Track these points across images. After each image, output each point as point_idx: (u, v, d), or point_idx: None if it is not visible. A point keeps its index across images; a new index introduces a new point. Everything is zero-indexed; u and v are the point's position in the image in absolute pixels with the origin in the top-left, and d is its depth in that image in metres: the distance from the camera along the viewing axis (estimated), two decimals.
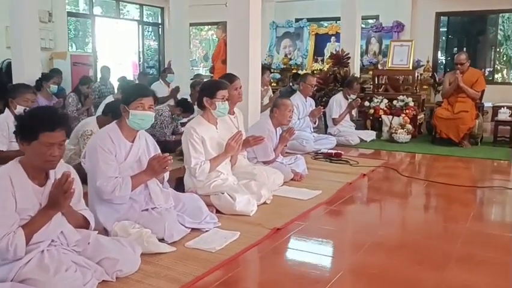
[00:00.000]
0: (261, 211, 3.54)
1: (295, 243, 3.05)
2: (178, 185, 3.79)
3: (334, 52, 8.38)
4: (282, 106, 4.65)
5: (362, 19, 11.45)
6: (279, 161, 4.76)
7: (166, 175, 3.17)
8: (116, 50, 13.62)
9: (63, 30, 11.05)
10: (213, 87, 3.63)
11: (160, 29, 13.99)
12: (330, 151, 5.93)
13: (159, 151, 3.18)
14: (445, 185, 4.52)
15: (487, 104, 8.35)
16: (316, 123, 6.47)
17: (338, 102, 6.94)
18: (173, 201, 3.12)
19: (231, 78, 4.19)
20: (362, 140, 7.00)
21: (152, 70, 13.96)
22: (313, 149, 6.06)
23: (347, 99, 7.01)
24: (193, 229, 3.06)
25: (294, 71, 11.28)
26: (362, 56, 10.97)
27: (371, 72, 9.07)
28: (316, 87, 7.76)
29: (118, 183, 2.84)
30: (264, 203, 3.73)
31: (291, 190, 4.18)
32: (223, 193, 3.47)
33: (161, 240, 2.83)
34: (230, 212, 3.42)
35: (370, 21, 11.62)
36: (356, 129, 7.32)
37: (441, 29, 11.53)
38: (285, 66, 11.69)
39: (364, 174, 4.88)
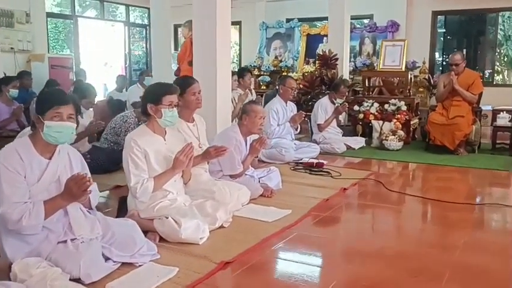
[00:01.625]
0: (214, 238, 3.01)
1: (244, 283, 2.52)
2: (122, 205, 3.27)
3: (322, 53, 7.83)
4: (251, 112, 4.12)
5: (356, 19, 11.03)
6: (249, 174, 4.24)
7: (94, 199, 2.65)
8: (102, 53, 13.14)
9: (42, 32, 10.55)
10: (158, 92, 3.11)
11: (147, 30, 13.48)
12: (311, 160, 5.40)
13: (87, 169, 2.66)
14: (435, 201, 3.98)
15: (487, 108, 7.80)
16: (298, 129, 5.94)
17: (324, 107, 6.42)
18: (102, 229, 2.60)
19: (188, 81, 3.68)
20: (350, 148, 6.48)
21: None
22: (293, 158, 5.54)
23: (334, 103, 6.48)
24: (124, 263, 2.54)
25: (284, 73, 10.80)
26: (355, 57, 10.52)
27: None
28: (302, 91, 7.26)
29: (27, 210, 2.32)
30: (221, 226, 3.20)
31: (256, 209, 3.65)
32: (167, 217, 2.94)
33: (78, 280, 2.31)
34: (175, 240, 2.90)
35: (365, 21, 11.10)
36: (344, 135, 6.80)
37: (439, 30, 11.02)
38: (275, 69, 11.20)
39: (345, 189, 4.35)
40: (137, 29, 13.78)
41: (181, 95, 3.61)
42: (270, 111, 5.65)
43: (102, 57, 13.18)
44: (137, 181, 2.98)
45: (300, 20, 11.41)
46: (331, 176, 4.85)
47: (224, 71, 4.56)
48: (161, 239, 2.94)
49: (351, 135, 7.00)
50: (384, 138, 6.50)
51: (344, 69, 7.63)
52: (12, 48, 9.81)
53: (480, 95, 6.43)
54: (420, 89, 9.00)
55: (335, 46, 7.61)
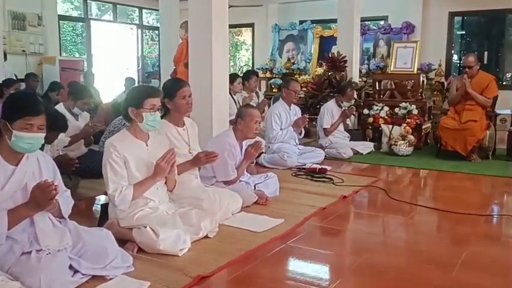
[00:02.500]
0: (196, 249, 2.85)
1: None
2: (104, 213, 3.13)
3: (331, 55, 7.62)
4: (247, 117, 3.95)
5: (370, 20, 10.79)
6: (244, 181, 4.07)
7: (66, 207, 2.51)
8: (115, 55, 13.13)
9: (54, 34, 10.57)
10: (139, 95, 2.96)
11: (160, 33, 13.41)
12: (314, 166, 5.20)
13: (58, 176, 2.53)
14: (440, 212, 3.75)
15: (505, 112, 7.46)
16: (302, 134, 5.74)
17: (330, 111, 6.21)
18: (73, 239, 2.45)
19: (177, 84, 3.53)
20: (357, 153, 6.25)
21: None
22: (296, 164, 5.35)
23: (340, 107, 6.26)
24: (94, 276, 2.40)
25: (297, 76, 10.60)
26: (369, 59, 10.28)
27: None
28: (309, 94, 7.07)
29: None
30: (206, 236, 3.03)
31: (247, 218, 3.48)
32: (146, 227, 2.79)
33: None
34: (153, 251, 2.74)
35: (380, 22, 10.83)
36: (353, 140, 6.57)
37: (458, 32, 10.69)
38: (287, 71, 10.98)
39: (345, 196, 4.14)
40: (153, 31, 13.74)
41: (171, 99, 3.48)
42: (272, 115, 5.48)
43: (116, 61, 13.16)
44: (115, 188, 2.84)
45: (313, 21, 11.20)
46: (333, 183, 4.65)
47: (220, 74, 4.41)
48: (140, 250, 2.79)
49: (361, 140, 6.77)
50: (393, 143, 6.26)
51: (354, 72, 7.40)
52: (24, 50, 9.86)
53: (495, 98, 6.14)
54: (435, 93, 8.71)
55: (344, 48, 7.38)
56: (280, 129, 5.51)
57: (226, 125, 4.48)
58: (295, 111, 5.71)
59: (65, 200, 2.52)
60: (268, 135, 5.54)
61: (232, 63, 15.65)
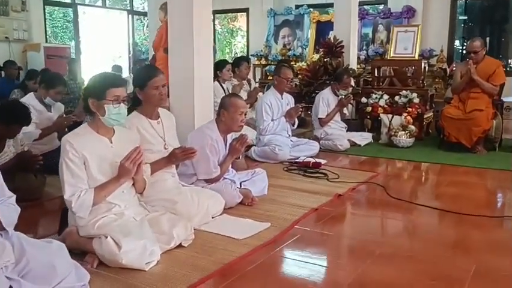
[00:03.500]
0: (167, 262, 2.47)
1: None
2: (65, 218, 2.75)
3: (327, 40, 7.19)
4: (230, 107, 3.56)
5: (369, 4, 10.34)
6: (229, 178, 3.69)
7: (7, 217, 2.13)
8: (105, 43, 12.69)
9: (39, 20, 10.11)
10: (100, 85, 2.57)
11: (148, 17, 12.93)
12: (308, 159, 4.82)
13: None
14: (444, 212, 3.38)
15: (510, 100, 7.06)
16: (295, 125, 5.35)
17: (325, 100, 5.80)
18: (16, 255, 2.08)
19: (149, 73, 3.12)
20: (355, 144, 5.88)
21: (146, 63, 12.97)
22: (288, 157, 4.97)
23: (337, 95, 5.86)
24: None
25: (293, 63, 10.18)
26: (368, 45, 9.86)
27: None
28: (304, 81, 6.66)
29: None
30: (180, 245, 2.66)
31: (228, 222, 3.11)
32: (107, 237, 2.41)
33: None
34: (116, 265, 2.37)
35: (380, 6, 10.37)
36: (350, 130, 6.18)
37: (460, 17, 10.25)
38: (283, 58, 10.55)
39: (339, 195, 3.77)
40: (146, 17, 13.25)
41: (142, 89, 3.10)
42: (263, 105, 5.09)
43: (107, 48, 12.73)
44: (72, 192, 2.46)
45: (309, 6, 10.74)
46: (327, 179, 4.27)
47: (203, 60, 4.00)
48: (102, 264, 2.42)
49: (359, 131, 6.39)
50: (393, 133, 5.88)
51: (351, 58, 6.98)
52: (7, 37, 9.41)
53: (502, 85, 5.74)
54: (437, 80, 8.31)
55: (341, 33, 6.95)
56: (272, 120, 5.12)
57: (210, 116, 4.09)
58: (288, 101, 5.31)
59: (7, 208, 2.14)
60: (259, 126, 5.15)
61: (227, 50, 15.23)
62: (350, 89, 6.31)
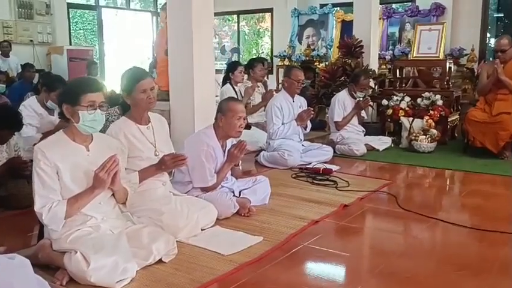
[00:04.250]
0: (142, 280, 2.30)
1: None
2: (42, 231, 2.61)
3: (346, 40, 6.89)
4: (228, 112, 3.36)
5: (396, 3, 9.98)
6: (227, 187, 3.50)
7: None
8: (132, 45, 12.72)
9: (63, 23, 10.21)
10: (75, 90, 2.42)
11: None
12: (319, 166, 4.58)
13: None
14: (456, 227, 3.08)
15: None
16: (308, 128, 5.11)
17: (341, 102, 5.53)
18: None
19: (136, 76, 2.97)
20: (373, 149, 5.59)
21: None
22: (298, 163, 4.74)
23: (354, 97, 5.58)
24: None
25: (316, 64, 9.93)
26: (394, 45, 9.51)
27: None
28: (321, 83, 6.41)
29: None
30: (160, 260, 2.48)
31: (218, 235, 2.91)
32: (76, 252, 2.26)
33: None
34: (85, 283, 2.21)
35: (407, 4, 9.98)
36: (370, 134, 5.89)
37: (495, 14, 9.76)
38: (306, 58, 10.31)
39: (345, 205, 3.52)
40: None
41: (129, 93, 2.96)
42: (272, 108, 4.87)
43: (134, 50, 12.75)
44: (43, 204, 2.32)
45: (334, 5, 10.45)
46: (336, 187, 4.02)
47: (204, 62, 3.83)
48: (72, 280, 2.26)
49: (380, 134, 6.09)
50: (413, 138, 5.56)
51: (371, 59, 6.67)
52: (31, 40, 9.55)
53: None
54: (467, 81, 7.91)
55: (361, 32, 6.65)
56: (282, 123, 4.89)
57: (211, 120, 3.90)
58: (300, 103, 5.07)
59: None
60: (268, 130, 4.94)
61: (255, 51, 15.05)
62: (370, 91, 6.04)
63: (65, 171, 2.36)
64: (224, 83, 5.89)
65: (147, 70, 8.72)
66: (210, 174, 3.32)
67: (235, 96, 5.75)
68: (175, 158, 2.96)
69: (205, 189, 3.35)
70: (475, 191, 4.01)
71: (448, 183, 4.54)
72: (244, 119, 3.43)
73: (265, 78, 6.76)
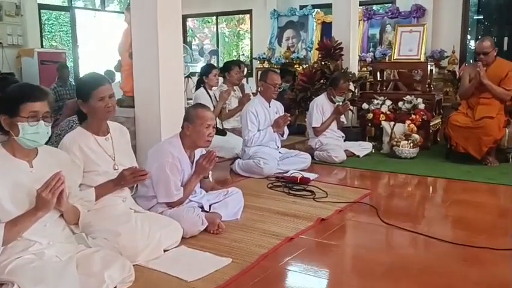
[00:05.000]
0: None
1: None
2: None
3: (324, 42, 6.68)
4: (196, 119, 3.11)
5: (376, 4, 9.83)
6: (195, 201, 3.24)
7: None
8: (105, 47, 12.35)
9: (34, 25, 9.82)
10: (13, 99, 2.14)
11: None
12: (296, 174, 4.36)
13: None
14: (439, 242, 2.88)
15: None
16: (285, 135, 4.87)
17: (320, 107, 5.31)
18: None
19: (92, 82, 2.70)
20: (353, 155, 5.38)
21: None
22: (275, 171, 4.50)
23: (333, 102, 5.37)
24: None
25: (296, 66, 9.72)
26: (375, 47, 9.37)
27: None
28: (299, 87, 6.19)
29: None
30: None
31: (184, 256, 2.65)
32: (14, 284, 1.98)
33: None
34: None
35: (388, 5, 9.84)
36: (349, 140, 5.68)
37: (475, 16, 9.68)
38: (286, 61, 10.10)
39: (322, 219, 3.29)
40: None
41: (85, 101, 2.69)
42: (248, 114, 4.63)
43: (110, 53, 12.38)
44: None
45: (314, 6, 10.26)
46: (313, 198, 3.79)
47: (171, 67, 3.56)
48: None
49: (361, 140, 5.89)
50: (395, 143, 5.36)
51: (351, 61, 6.47)
52: (0, 42, 9.14)
53: None
54: (448, 83, 7.77)
55: (341, 34, 6.44)
56: (258, 130, 4.66)
57: (179, 128, 3.65)
58: (276, 109, 4.84)
59: None
60: (244, 137, 4.70)
61: (235, 53, 14.82)
62: (350, 95, 5.85)
63: (3, 191, 2.08)
64: (198, 87, 5.64)
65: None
66: (175, 188, 3.06)
67: (210, 101, 5.51)
68: (136, 173, 2.70)
69: (170, 205, 3.09)
70: (459, 201, 3.82)
71: (430, 192, 4.35)
72: (213, 128, 3.18)
73: (243, 81, 6.51)
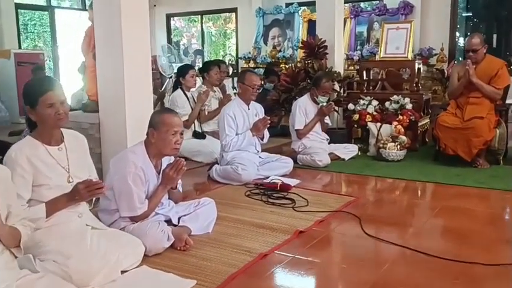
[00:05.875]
0: None
1: None
2: None
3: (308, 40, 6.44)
4: (161, 125, 2.85)
5: (363, 1, 9.62)
6: (162, 213, 2.98)
7: None
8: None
9: (10, 25, 9.51)
10: None
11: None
12: (278, 179, 4.11)
13: None
14: (427, 257, 2.64)
15: None
16: (265, 138, 4.62)
17: (303, 108, 5.06)
18: None
19: (40, 88, 2.42)
20: (338, 158, 5.15)
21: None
22: (254, 177, 4.26)
23: (316, 102, 5.13)
24: None
25: (282, 65, 9.48)
26: (362, 45, 9.16)
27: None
28: (282, 87, 5.95)
29: None
30: None
31: (143, 279, 2.40)
32: None
33: None
34: None
35: (375, 2, 9.62)
36: (335, 142, 5.44)
37: (464, 14, 9.49)
38: (272, 60, 9.87)
39: (300, 232, 3.04)
40: None
41: (33, 107, 2.42)
42: (225, 117, 4.37)
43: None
44: None
45: (300, 4, 10.02)
46: (293, 207, 3.54)
47: (138, 69, 3.30)
48: None
49: (346, 142, 5.65)
50: (381, 145, 5.13)
51: (336, 60, 6.23)
52: None
53: (506, 89, 4.98)
54: (437, 82, 7.56)
55: (325, 31, 6.20)
56: (236, 134, 4.40)
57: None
58: (256, 111, 4.58)
59: None
60: (221, 142, 4.44)
61: (222, 53, 14.56)
62: (335, 95, 5.61)
63: None
64: (175, 88, 5.37)
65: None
66: (139, 200, 2.80)
67: (188, 103, 5.26)
68: (91, 186, 2.43)
69: (134, 219, 2.83)
70: (448, 208, 3.59)
71: (418, 198, 4.10)
72: (181, 134, 2.92)
73: (224, 82, 6.26)
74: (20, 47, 9.75)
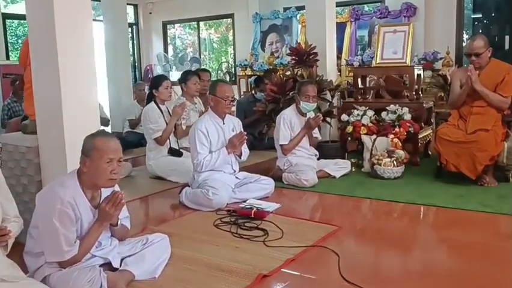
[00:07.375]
0: None
1: None
2: None
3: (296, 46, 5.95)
4: (94, 152, 2.38)
5: (364, 3, 9.14)
6: (100, 256, 2.51)
7: None
8: None
9: None
10: None
11: (134, 29, 11.96)
12: (255, 204, 3.63)
13: None
14: None
15: None
16: (243, 157, 4.13)
17: (287, 121, 4.58)
18: None
19: None
20: (329, 176, 4.65)
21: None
22: (227, 202, 3.78)
23: (303, 114, 4.64)
24: None
25: (280, 72, 8.99)
26: (363, 50, 8.67)
27: None
28: (269, 98, 5.47)
29: None
30: None
31: None
32: None
33: None
34: None
35: (377, 5, 9.12)
36: (327, 157, 4.94)
37: (473, 15, 8.96)
38: (270, 67, 9.37)
39: (264, 276, 2.54)
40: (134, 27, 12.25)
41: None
42: (196, 134, 3.90)
43: None
44: None
45: (298, 8, 9.55)
46: (263, 241, 3.05)
47: (77, 81, 2.84)
48: None
49: (340, 156, 5.15)
50: (375, 161, 4.62)
51: (328, 67, 5.71)
52: None
53: None
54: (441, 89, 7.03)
55: (315, 37, 5.69)
56: (210, 152, 3.93)
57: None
58: (233, 125, 4.10)
59: None
60: (192, 161, 3.98)
61: (224, 60, 14.16)
62: (327, 105, 5.12)
63: None
64: (148, 101, 4.92)
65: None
66: (66, 242, 2.33)
67: (163, 117, 4.81)
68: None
69: (62, 265, 2.36)
70: (447, 241, 3.07)
71: (412, 228, 3.54)
72: (119, 161, 2.45)
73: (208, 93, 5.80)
74: (8, 58, 9.41)
